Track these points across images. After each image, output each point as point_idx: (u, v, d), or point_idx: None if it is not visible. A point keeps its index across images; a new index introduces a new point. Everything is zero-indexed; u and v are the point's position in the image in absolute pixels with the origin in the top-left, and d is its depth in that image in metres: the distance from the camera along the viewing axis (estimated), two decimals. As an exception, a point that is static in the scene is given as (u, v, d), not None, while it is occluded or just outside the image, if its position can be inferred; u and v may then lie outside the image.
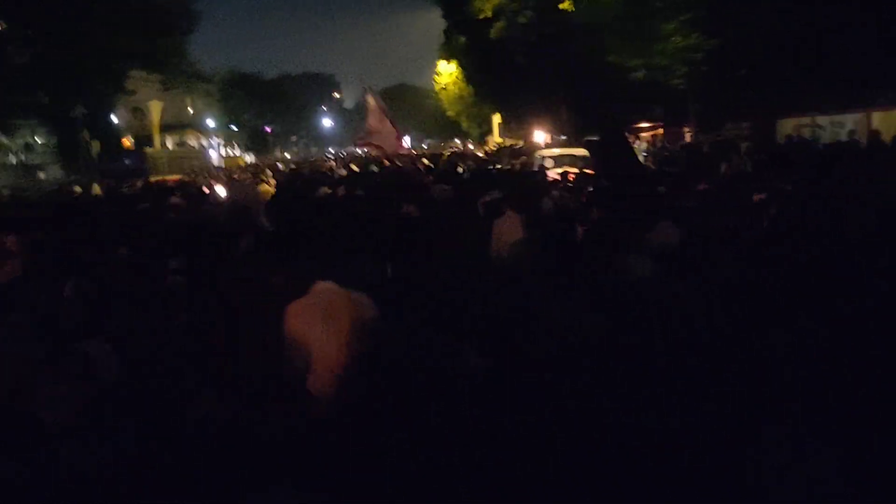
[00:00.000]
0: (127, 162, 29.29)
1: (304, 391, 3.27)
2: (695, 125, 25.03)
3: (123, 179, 24.86)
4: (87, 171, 28.86)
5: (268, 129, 73.23)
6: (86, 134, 28.15)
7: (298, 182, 15.15)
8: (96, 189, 20.99)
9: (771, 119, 15.94)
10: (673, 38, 17.03)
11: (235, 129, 70.74)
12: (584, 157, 18.45)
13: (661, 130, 30.29)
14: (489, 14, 24.28)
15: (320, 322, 3.37)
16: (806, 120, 18.27)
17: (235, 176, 23.97)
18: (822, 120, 18.04)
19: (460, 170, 15.94)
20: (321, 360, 3.33)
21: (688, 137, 26.80)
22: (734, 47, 14.82)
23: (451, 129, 72.64)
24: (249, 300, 3.80)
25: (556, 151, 18.76)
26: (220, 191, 12.23)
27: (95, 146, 28.69)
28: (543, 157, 18.07)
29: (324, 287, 3.53)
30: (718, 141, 18.39)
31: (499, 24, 23.21)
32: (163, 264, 5.31)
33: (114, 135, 31.89)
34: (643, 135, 30.03)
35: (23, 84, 27.30)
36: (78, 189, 21.63)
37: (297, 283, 3.56)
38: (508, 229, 5.79)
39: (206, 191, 14.04)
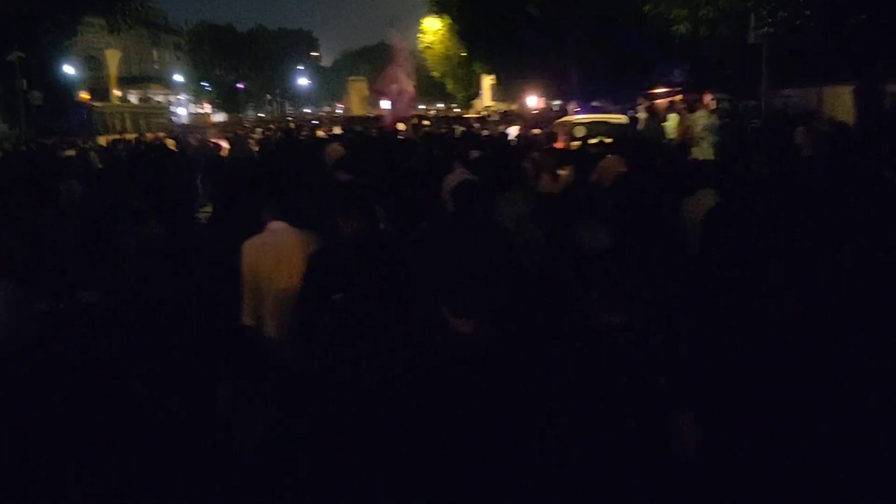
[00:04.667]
0: (73, 117, 25.49)
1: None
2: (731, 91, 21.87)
3: (65, 137, 21.34)
4: (29, 126, 25.14)
5: (240, 86, 68.72)
6: (23, 83, 24.30)
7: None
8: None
9: (880, 80, 12.88)
10: None
11: (206, 85, 66.27)
12: (620, 126, 15.40)
13: (679, 97, 27.14)
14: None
15: (271, 256, 4.01)
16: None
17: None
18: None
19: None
20: (271, 290, 3.98)
21: (711, 104, 23.65)
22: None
23: (434, 91, 69.22)
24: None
25: (586, 117, 15.59)
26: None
27: (36, 98, 24.88)
28: (574, 125, 14.90)
29: (277, 226, 4.14)
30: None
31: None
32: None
33: (59, 85, 27.80)
34: (659, 102, 26.87)
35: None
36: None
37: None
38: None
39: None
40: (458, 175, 4.42)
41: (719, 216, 3.58)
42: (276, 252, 4.06)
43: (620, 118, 16.31)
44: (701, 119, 17.77)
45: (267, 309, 4.05)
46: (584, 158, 7.49)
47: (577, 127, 13.73)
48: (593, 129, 13.74)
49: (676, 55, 25.53)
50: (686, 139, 15.63)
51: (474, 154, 8.26)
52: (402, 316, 3.33)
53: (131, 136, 22.99)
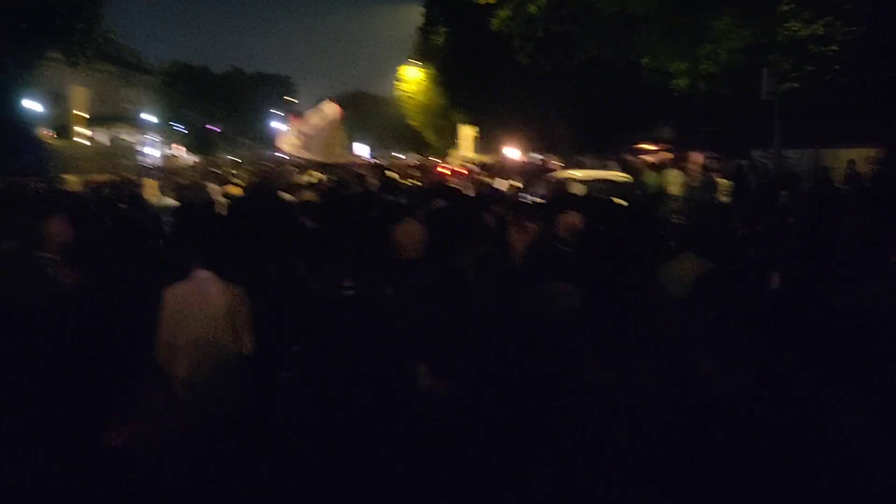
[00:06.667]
0: (26, 156, 23.72)
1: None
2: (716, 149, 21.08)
3: (17, 177, 19.69)
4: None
5: (214, 129, 67.32)
6: (-29, 119, 22.60)
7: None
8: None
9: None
10: (787, 25, 12.84)
11: (178, 126, 64.72)
12: (623, 184, 14.25)
13: (668, 154, 26.29)
14: (492, -1, 20.11)
15: (193, 304, 4.18)
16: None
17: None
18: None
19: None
20: (190, 336, 4.17)
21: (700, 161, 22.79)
22: (886, 35, 10.82)
23: (411, 140, 68.54)
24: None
25: (583, 174, 14.41)
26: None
27: (-13, 135, 23.19)
28: (567, 181, 13.71)
29: (202, 274, 4.27)
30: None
31: (502, 13, 18.87)
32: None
33: (13, 121, 26.01)
34: (647, 158, 26.00)
35: None
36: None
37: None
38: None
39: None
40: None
41: (710, 284, 3.62)
42: (197, 301, 4.25)
43: (624, 176, 15.17)
44: (676, 178, 17.15)
45: (182, 351, 4.21)
46: (548, 213, 7.60)
47: (576, 185, 12.51)
48: (595, 187, 12.53)
49: (665, 110, 24.83)
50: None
51: (439, 204, 8.44)
52: (374, 374, 3.33)
53: (101, 178, 21.40)
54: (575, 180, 13.10)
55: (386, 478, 2.88)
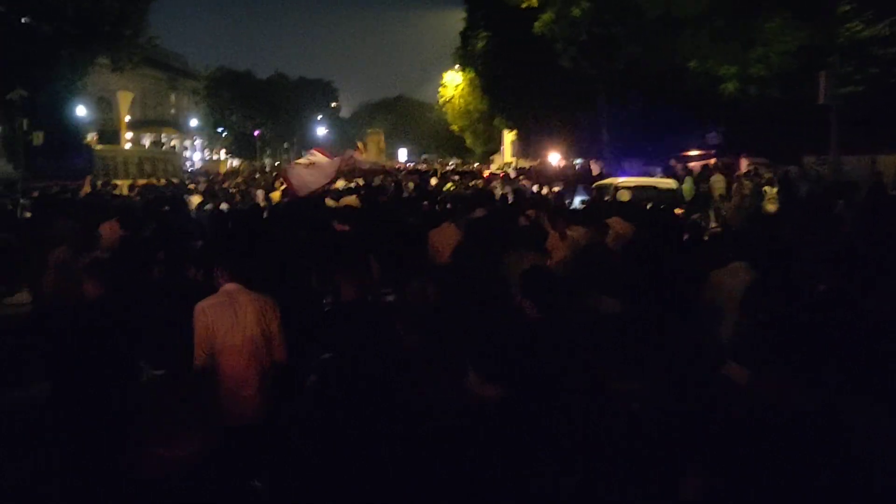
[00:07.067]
0: (73, 160, 24.12)
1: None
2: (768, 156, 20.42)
3: (63, 182, 20.01)
4: (29, 168, 23.83)
5: (256, 133, 67.96)
6: (24, 122, 23.00)
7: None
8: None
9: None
10: (848, 25, 12.28)
11: (222, 131, 65.53)
12: (668, 190, 13.80)
13: (713, 160, 25.60)
14: (534, 2, 19.66)
15: (227, 315, 4.32)
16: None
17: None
18: None
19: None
20: (225, 347, 4.33)
21: (746, 168, 22.10)
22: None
23: (452, 145, 68.50)
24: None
25: (632, 181, 13.98)
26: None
27: (37, 138, 23.60)
28: (611, 187, 13.33)
29: (231, 287, 4.43)
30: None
31: (545, 17, 18.53)
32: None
33: (65, 126, 26.50)
34: (692, 164, 25.34)
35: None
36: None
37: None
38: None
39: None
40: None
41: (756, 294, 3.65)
42: (229, 313, 4.38)
43: (669, 183, 14.71)
44: (719, 184, 16.73)
45: (218, 362, 4.37)
46: (592, 219, 7.48)
47: (622, 192, 12.12)
48: (640, 194, 12.13)
49: (712, 115, 24.18)
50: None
51: (479, 210, 8.46)
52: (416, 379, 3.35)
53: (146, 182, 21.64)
54: (620, 187, 12.70)
55: (419, 484, 2.87)
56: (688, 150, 26.52)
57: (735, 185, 15.65)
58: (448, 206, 10.52)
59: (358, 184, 17.01)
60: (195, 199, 14.25)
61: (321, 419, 3.58)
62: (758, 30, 15.00)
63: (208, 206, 11.56)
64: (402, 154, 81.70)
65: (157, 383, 4.01)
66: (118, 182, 19.63)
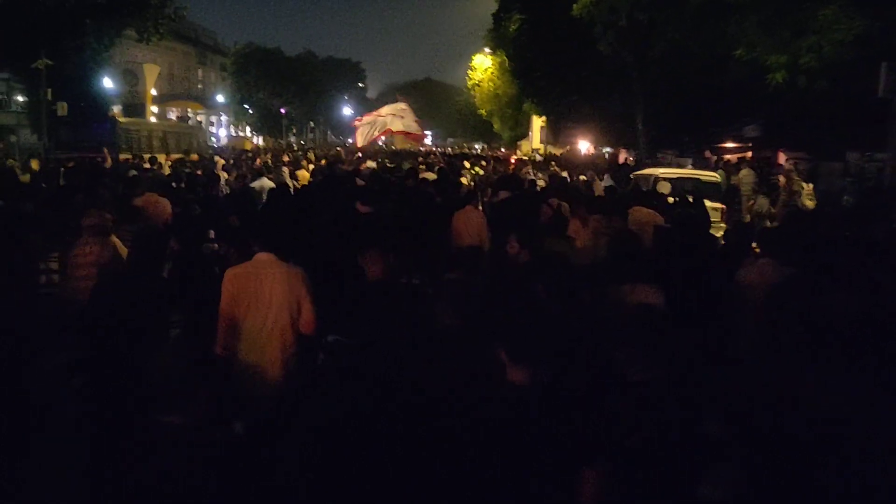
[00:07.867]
0: (95, 132, 23.81)
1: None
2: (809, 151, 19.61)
3: (84, 154, 19.73)
4: (52, 139, 23.61)
5: (282, 111, 67.59)
6: (48, 92, 22.72)
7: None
8: (34, 164, 15.67)
9: None
10: None
11: (248, 107, 65.24)
12: (709, 182, 13.15)
13: (749, 154, 24.76)
14: (574, -18, 19.00)
15: (252, 286, 4.24)
16: None
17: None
18: None
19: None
20: (246, 321, 4.25)
21: (785, 164, 21.30)
22: None
23: (479, 129, 67.72)
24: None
25: (673, 172, 13.35)
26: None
27: (62, 108, 23.33)
28: (650, 177, 12.71)
29: (264, 257, 4.37)
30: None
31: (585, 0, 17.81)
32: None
33: (90, 97, 26.23)
34: (727, 157, 24.51)
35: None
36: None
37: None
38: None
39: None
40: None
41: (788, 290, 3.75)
42: (256, 283, 4.30)
43: (712, 175, 14.05)
44: (748, 178, 16.16)
45: (240, 339, 4.30)
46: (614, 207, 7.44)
47: (662, 183, 11.50)
48: (680, 185, 11.51)
49: (753, 107, 23.32)
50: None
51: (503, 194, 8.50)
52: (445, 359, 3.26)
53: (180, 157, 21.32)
54: (660, 178, 12.08)
55: (432, 475, 2.82)
56: (723, 143, 25.71)
57: (783, 180, 14.94)
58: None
59: (386, 165, 16.59)
60: (223, 175, 14.21)
61: (327, 400, 3.59)
62: (811, 17, 14.17)
63: (256, 184, 11.49)
64: (427, 138, 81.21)
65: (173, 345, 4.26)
66: (155, 157, 19.27)
